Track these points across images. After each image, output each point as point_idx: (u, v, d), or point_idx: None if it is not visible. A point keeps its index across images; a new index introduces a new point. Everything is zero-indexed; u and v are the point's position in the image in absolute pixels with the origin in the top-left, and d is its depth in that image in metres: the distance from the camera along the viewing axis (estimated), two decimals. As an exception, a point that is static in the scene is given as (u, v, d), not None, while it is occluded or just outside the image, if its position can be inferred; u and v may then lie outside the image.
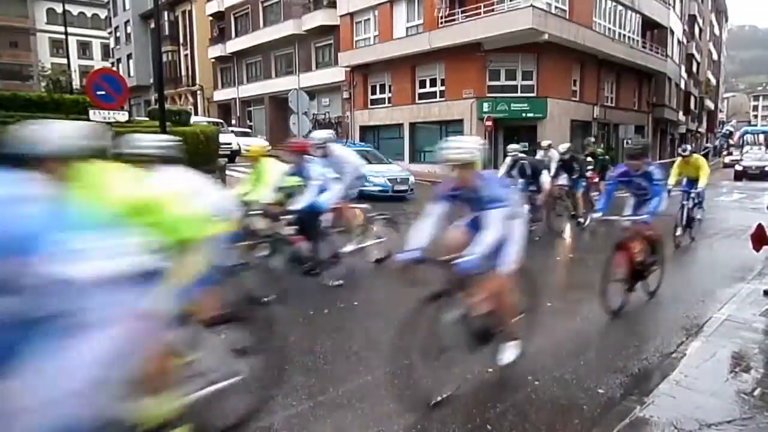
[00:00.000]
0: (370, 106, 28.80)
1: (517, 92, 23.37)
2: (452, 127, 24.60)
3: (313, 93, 30.27)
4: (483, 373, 4.07)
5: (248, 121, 38.05)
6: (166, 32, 41.73)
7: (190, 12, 41.99)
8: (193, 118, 20.49)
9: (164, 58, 38.03)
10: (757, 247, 5.76)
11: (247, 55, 37.35)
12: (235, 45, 37.56)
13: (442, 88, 25.06)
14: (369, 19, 28.01)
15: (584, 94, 25.72)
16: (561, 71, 24.01)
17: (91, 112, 8.34)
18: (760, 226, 5.69)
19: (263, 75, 36.60)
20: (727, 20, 75.29)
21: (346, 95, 30.03)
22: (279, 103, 33.04)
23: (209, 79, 41.65)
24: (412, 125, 26.50)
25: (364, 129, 29.08)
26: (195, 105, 41.65)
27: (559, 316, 5.51)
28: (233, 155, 24.46)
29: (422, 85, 26.19)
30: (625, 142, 28.33)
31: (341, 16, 29.04)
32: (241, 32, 37.41)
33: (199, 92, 42.44)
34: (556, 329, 5.12)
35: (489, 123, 22.44)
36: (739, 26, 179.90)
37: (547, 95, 22.93)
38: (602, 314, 5.64)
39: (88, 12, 61.51)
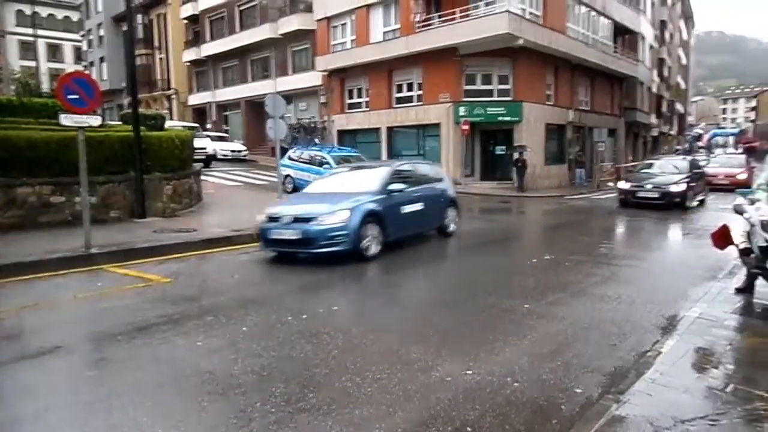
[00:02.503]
0: (347, 111, 28.77)
1: (493, 96, 23.59)
2: (430, 131, 24.73)
3: (290, 97, 30.13)
4: (462, 375, 4.08)
5: (224, 126, 37.67)
6: (140, 35, 41.12)
7: (165, 15, 41.48)
8: (168, 123, 20.17)
9: (138, 62, 37.47)
10: (721, 245, 5.86)
11: (222, 58, 37.03)
12: (210, 48, 37.21)
13: (419, 92, 25.17)
14: (345, 24, 28.01)
15: (559, 98, 26.09)
16: (536, 76, 24.33)
17: (62, 116, 8.13)
18: (724, 226, 5.80)
19: (239, 79, 36.32)
20: (694, 26, 77.26)
21: (323, 99, 29.96)
22: (255, 108, 32.84)
23: (184, 82, 41.17)
24: (390, 129, 26.54)
25: (341, 133, 29.03)
26: (170, 109, 41.10)
27: (537, 318, 5.55)
28: (209, 160, 24.20)
29: (399, 89, 26.26)
30: (598, 144, 28.87)
31: (318, 21, 28.99)
32: (217, 36, 37.09)
33: (173, 96, 41.91)
34: (534, 331, 5.16)
35: (466, 127, 22.61)
36: (706, 32, 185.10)
37: (523, 99, 23.19)
38: (578, 315, 5.71)
39: (59, 14, 60.33)
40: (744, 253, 5.43)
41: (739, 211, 5.49)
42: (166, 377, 4.14)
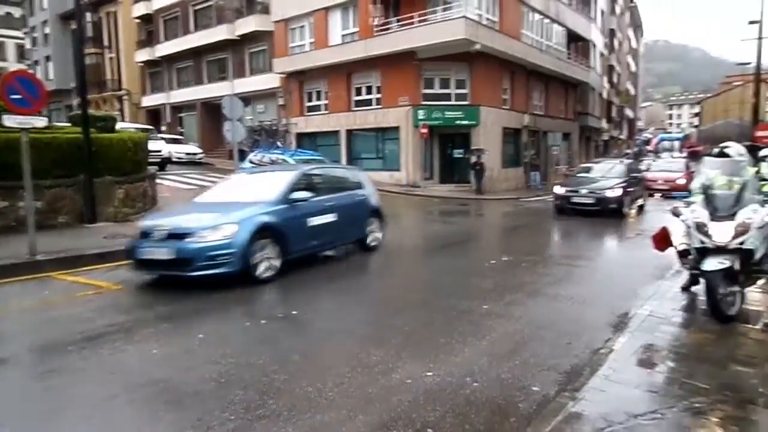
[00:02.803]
0: (306, 113, 28.59)
1: (451, 100, 23.92)
2: (389, 134, 24.86)
3: (247, 99, 29.69)
4: (422, 377, 4.10)
5: (179, 128, 36.79)
6: (89, 34, 39.73)
7: (115, 13, 40.21)
8: (120, 124, 19.54)
9: (87, 61, 36.22)
10: (661, 247, 5.96)
11: (177, 59, 36.18)
12: (164, 49, 36.31)
13: (378, 95, 25.27)
14: (304, 26, 27.86)
15: (515, 103, 26.68)
16: (492, 80, 24.81)
17: (4, 117, 7.77)
18: (664, 228, 5.97)
19: (195, 80, 35.57)
20: (642, 35, 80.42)
21: (281, 102, 29.67)
22: (212, 110, 32.22)
23: (137, 83, 40.00)
24: (349, 132, 26.53)
25: (300, 136, 28.83)
26: (121, 110, 39.83)
27: (495, 318, 5.64)
28: (164, 163, 23.60)
29: (358, 92, 26.29)
30: (553, 148, 29.66)
31: (275, 22, 28.73)
32: (171, 36, 36.22)
33: (125, 97, 40.65)
34: (493, 331, 5.24)
35: (425, 130, 22.84)
36: (653, 41, 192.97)
37: (480, 103, 23.60)
38: (535, 315, 5.84)
39: (0, 10, 57.61)
40: (682, 254, 5.60)
41: (676, 213, 5.69)
42: (119, 388, 4.00)
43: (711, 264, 5.10)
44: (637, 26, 68.71)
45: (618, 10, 49.52)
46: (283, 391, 3.88)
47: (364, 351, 4.65)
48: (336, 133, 26.90)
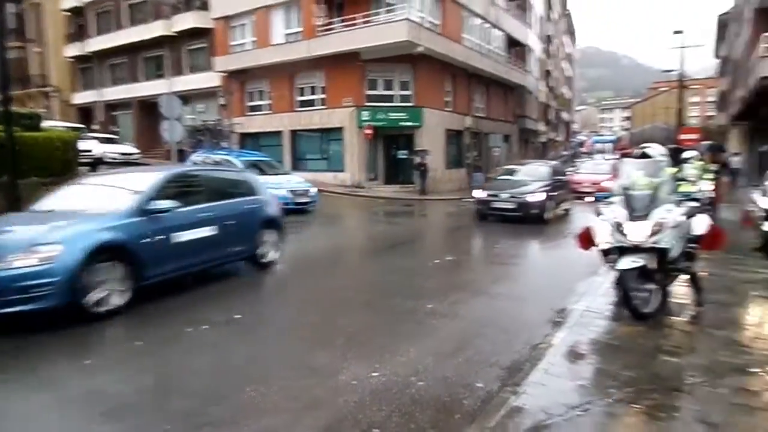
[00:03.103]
0: (248, 113, 28.02)
1: (395, 102, 24.09)
2: (333, 135, 24.75)
3: (186, 98, 28.73)
4: (368, 377, 4.11)
5: (114, 127, 35.15)
6: (12, 26, 37.29)
7: (39, 5, 37.95)
8: (47, 123, 18.46)
9: (9, 55, 34.08)
10: (585, 245, 5.93)
11: (111, 55, 34.57)
12: (96, 44, 34.59)
13: (322, 96, 25.11)
14: (245, 24, 27.30)
15: (457, 105, 27.19)
16: (435, 82, 25.19)
17: None
18: (587, 228, 5.93)
19: (130, 77, 34.10)
20: (575, 41, 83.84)
21: (222, 101, 28.95)
22: (149, 108, 30.97)
23: (67, 80, 37.92)
24: (293, 133, 26.22)
25: (243, 136, 28.23)
26: (48, 107, 37.61)
27: (439, 318, 5.73)
28: (96, 163, 22.52)
29: (302, 92, 26.03)
30: (494, 149, 30.45)
31: (215, 19, 28.01)
32: (104, 30, 34.55)
33: (53, 94, 38.42)
34: (437, 330, 5.32)
35: (369, 131, 22.89)
36: (586, 47, 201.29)
37: (423, 105, 23.90)
38: (478, 313, 5.97)
39: None
40: (605, 253, 5.67)
41: (598, 213, 5.81)
42: (52, 400, 3.79)
43: (625, 263, 5.17)
44: (571, 33, 71.60)
45: (554, 17, 51.44)
46: (226, 396, 3.79)
47: (309, 354, 4.61)
48: (279, 133, 26.52)
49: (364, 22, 22.67)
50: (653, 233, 5.20)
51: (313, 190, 15.37)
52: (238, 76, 27.66)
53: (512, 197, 13.53)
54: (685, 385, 3.85)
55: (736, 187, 22.30)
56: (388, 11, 22.89)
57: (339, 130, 24.29)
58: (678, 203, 5.62)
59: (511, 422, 3.33)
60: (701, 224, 5.73)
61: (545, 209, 13.55)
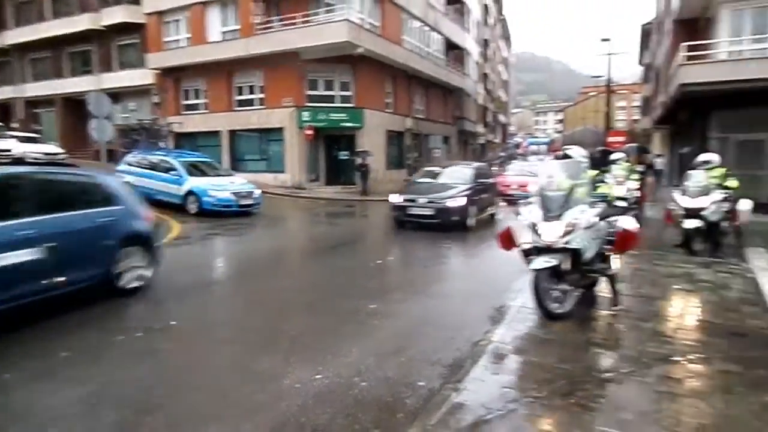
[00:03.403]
0: (183, 112, 27.11)
1: (335, 102, 24.00)
2: (273, 135, 24.37)
3: (117, 96, 27.50)
4: (311, 380, 4.06)
5: (35, 125, 33.06)
6: None
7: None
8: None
9: None
10: (506, 246, 5.76)
11: (31, 49, 32.49)
12: (15, 36, 32.43)
13: (262, 95, 24.67)
14: (179, 20, 26.40)
15: (397, 106, 27.42)
16: (376, 84, 25.29)
17: None
18: (508, 228, 5.81)
19: (54, 73, 32.18)
20: (511, 46, 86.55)
21: (156, 99, 27.86)
22: (75, 106, 29.39)
23: (-19, 74, 35.35)
24: (231, 133, 25.60)
25: (178, 136, 27.28)
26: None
27: (382, 318, 5.75)
28: (16, 164, 21.10)
29: (240, 91, 25.46)
30: (434, 150, 30.90)
31: (147, 14, 26.94)
32: (24, 22, 32.43)
33: (-35, 90, 35.73)
34: (380, 330, 5.33)
35: (310, 132, 22.69)
36: (521, 52, 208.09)
37: (364, 106, 23.94)
38: (420, 312, 6.03)
39: None
40: (526, 253, 5.63)
41: (517, 214, 5.96)
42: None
43: (538, 263, 5.22)
44: (506, 38, 73.80)
45: (490, 21, 52.86)
46: (162, 406, 3.63)
47: (251, 359, 4.50)
48: (217, 133, 25.81)
49: (304, 22, 22.47)
50: (565, 233, 5.25)
51: (257, 192, 15.00)
52: (173, 74, 26.72)
53: (430, 203, 12.17)
54: (615, 375, 4.04)
55: (659, 186, 23.70)
56: (328, 11, 22.79)
57: (279, 130, 23.93)
58: (593, 204, 5.66)
59: (452, 419, 3.39)
60: (625, 225, 5.83)
61: (467, 215, 12.44)
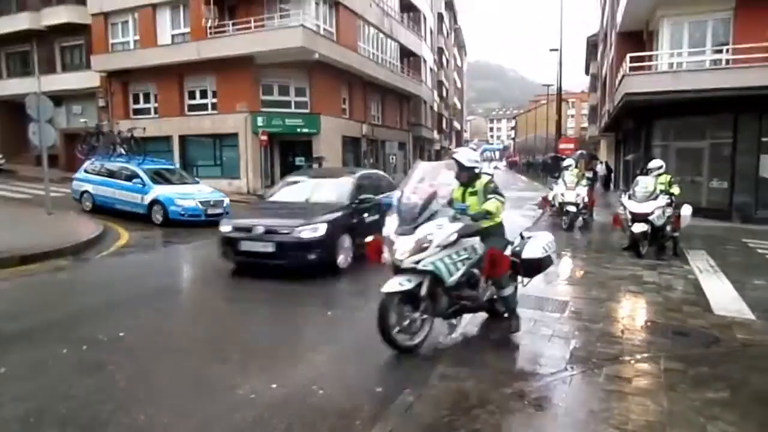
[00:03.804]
0: (132, 116, 26.25)
1: (291, 108, 23.79)
2: (227, 140, 23.92)
3: (60, 99, 26.40)
4: (267, 390, 3.98)
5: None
6: None
7: None
8: None
9: None
10: (374, 258, 4.80)
11: (-34, 48, 30.85)
12: (-53, 35, 30.68)
13: (214, 100, 24.18)
14: (127, 22, 25.59)
15: (353, 112, 27.43)
16: (331, 90, 25.23)
17: None
18: (376, 239, 4.91)
19: (-10, 74, 30.64)
20: (466, 54, 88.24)
21: (102, 103, 26.88)
22: (13, 109, 27.94)
23: None
24: (183, 138, 24.96)
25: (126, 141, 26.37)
26: None
27: (340, 324, 5.70)
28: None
29: (192, 96, 24.87)
30: (390, 157, 31.08)
31: (93, 15, 25.98)
32: (-44, 20, 30.73)
33: None
34: (339, 337, 5.28)
35: (264, 137, 22.39)
36: (475, 60, 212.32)
37: (320, 112, 23.83)
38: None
39: None
40: (394, 270, 4.67)
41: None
42: None
43: (389, 285, 4.40)
44: (461, 46, 75.17)
45: (445, 30, 53.70)
46: (108, 422, 3.47)
47: (204, 370, 4.37)
48: (168, 138, 25.10)
49: (257, 27, 22.20)
50: (414, 252, 4.45)
51: (227, 201, 14.16)
52: (121, 77, 25.88)
53: (269, 233, 7.79)
54: (567, 376, 4.14)
55: (602, 191, 24.58)
56: (282, 17, 22.62)
57: (234, 135, 23.50)
58: (456, 219, 4.72)
59: (410, 422, 3.38)
60: (533, 248, 5.15)
61: (334, 252, 8.15)
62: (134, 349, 4.97)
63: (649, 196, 9.35)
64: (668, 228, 9.59)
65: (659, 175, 9.84)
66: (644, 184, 9.63)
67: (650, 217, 9.17)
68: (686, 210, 9.91)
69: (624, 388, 3.92)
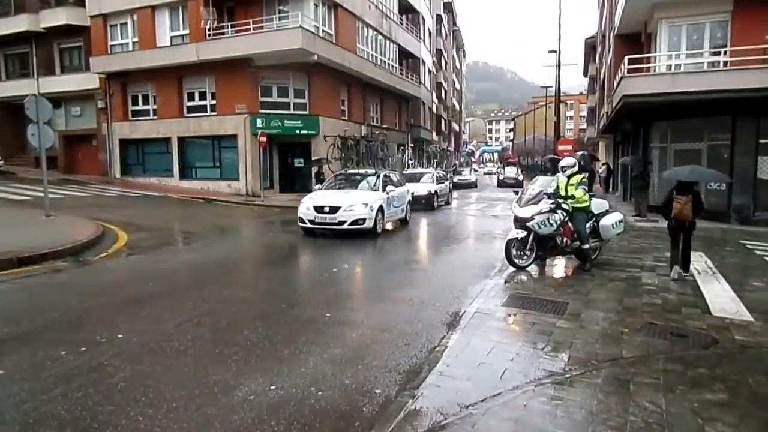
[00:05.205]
0: (131, 118, 26.29)
1: (290, 109, 23.80)
2: (226, 142, 23.93)
3: (58, 100, 26.48)
4: (266, 392, 3.98)
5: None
6: None
7: None
8: None
9: None
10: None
11: (-37, 50, 30.82)
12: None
13: (213, 101, 24.19)
14: (126, 23, 25.61)
15: (352, 114, 27.44)
16: (330, 91, 25.25)
17: None
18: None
19: (-11, 76, 30.60)
20: (465, 56, 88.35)
21: (101, 105, 26.88)
22: (12, 111, 27.99)
23: None
24: (182, 139, 24.96)
25: (125, 143, 26.42)
26: None
27: (338, 326, 5.70)
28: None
29: (191, 97, 24.89)
30: (390, 157, 31.04)
31: (92, 17, 26.00)
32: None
33: None
34: (336, 339, 5.28)
35: (263, 139, 22.38)
36: (474, 62, 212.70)
37: (319, 113, 23.85)
38: (376, 319, 6.02)
39: None
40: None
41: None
42: None
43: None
44: (459, 48, 75.24)
45: (444, 32, 53.77)
46: (106, 423, 3.47)
47: (201, 372, 4.37)
48: (167, 140, 25.13)
49: (256, 28, 22.22)
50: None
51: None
52: (120, 78, 25.90)
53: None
54: (568, 377, 4.14)
55: (603, 194, 24.62)
56: (281, 18, 22.64)
57: (232, 137, 23.52)
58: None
59: (408, 425, 3.38)
60: (609, 219, 8.61)
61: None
62: (133, 350, 4.96)
63: (533, 199, 8.47)
64: (563, 239, 8.38)
65: (572, 175, 8.28)
66: (539, 183, 8.95)
67: (529, 224, 8.19)
68: (610, 219, 8.66)
69: (623, 390, 3.92)
